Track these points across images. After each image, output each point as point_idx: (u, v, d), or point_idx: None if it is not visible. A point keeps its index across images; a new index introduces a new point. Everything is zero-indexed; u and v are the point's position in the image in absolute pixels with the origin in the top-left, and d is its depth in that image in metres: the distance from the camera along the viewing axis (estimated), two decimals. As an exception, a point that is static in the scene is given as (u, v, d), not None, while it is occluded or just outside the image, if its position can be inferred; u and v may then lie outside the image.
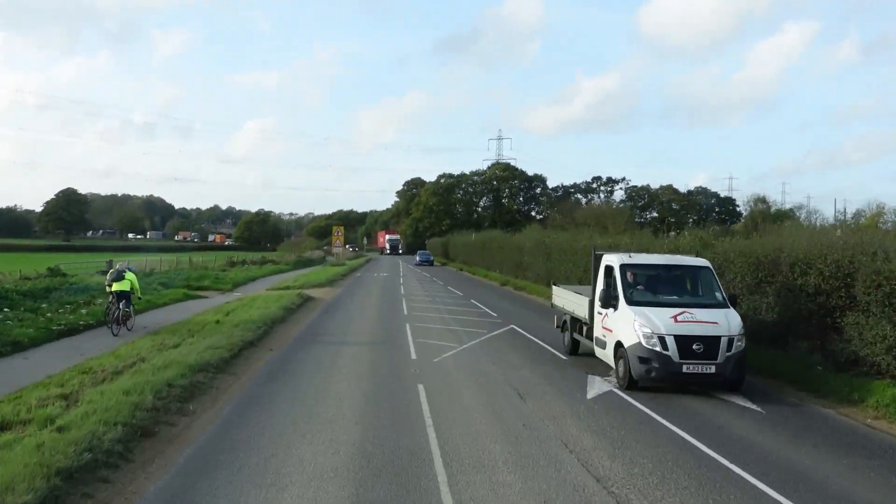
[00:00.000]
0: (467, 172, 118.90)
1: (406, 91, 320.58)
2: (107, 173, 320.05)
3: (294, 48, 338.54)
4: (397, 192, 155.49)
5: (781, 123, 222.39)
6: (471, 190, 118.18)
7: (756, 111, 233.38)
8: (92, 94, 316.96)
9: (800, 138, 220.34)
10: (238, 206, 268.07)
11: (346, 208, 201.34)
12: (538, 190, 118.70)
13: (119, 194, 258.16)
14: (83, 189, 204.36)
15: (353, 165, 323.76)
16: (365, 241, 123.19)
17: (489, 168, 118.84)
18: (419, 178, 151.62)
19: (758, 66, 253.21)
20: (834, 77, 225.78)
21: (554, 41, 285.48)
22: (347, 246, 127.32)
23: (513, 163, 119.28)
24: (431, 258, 71.60)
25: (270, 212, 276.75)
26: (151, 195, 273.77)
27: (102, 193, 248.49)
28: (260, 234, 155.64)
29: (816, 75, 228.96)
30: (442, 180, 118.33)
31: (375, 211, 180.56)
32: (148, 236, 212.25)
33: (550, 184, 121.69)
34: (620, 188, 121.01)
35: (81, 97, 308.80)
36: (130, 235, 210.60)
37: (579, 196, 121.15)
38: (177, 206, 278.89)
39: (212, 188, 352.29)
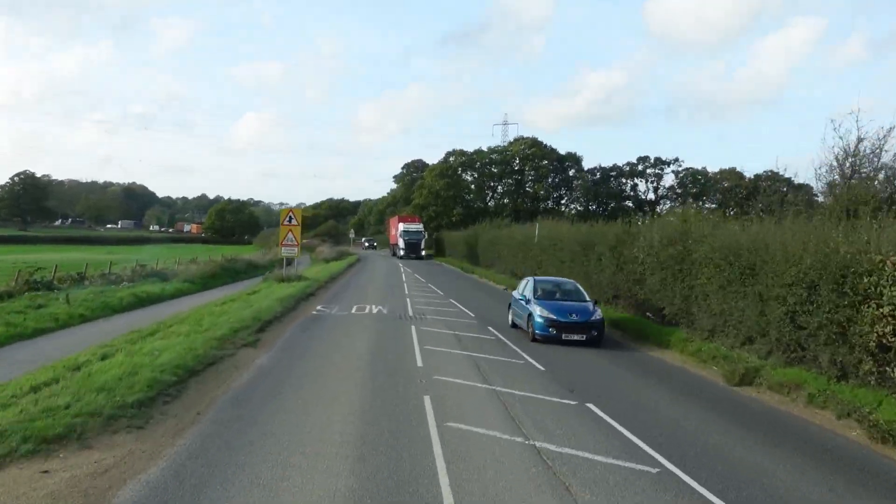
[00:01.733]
0: (484, 149, 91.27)
1: (409, 84, 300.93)
2: (104, 162, 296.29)
3: (297, 40, 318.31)
4: (395, 177, 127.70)
5: (784, 120, 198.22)
6: (486, 171, 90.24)
7: (759, 107, 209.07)
8: (90, 83, 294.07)
9: (802, 135, 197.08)
10: (228, 196, 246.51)
11: (337, 197, 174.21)
12: (571, 172, 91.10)
13: (101, 181, 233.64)
14: (62, 176, 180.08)
15: (352, 157, 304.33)
16: (352, 234, 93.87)
17: (512, 143, 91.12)
18: (420, 161, 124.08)
19: (762, 63, 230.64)
20: (838, 74, 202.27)
21: (560, 35, 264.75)
22: (364, 241, 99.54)
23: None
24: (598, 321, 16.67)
25: (258, 201, 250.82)
26: (134, 182, 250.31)
27: (82, 180, 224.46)
28: (234, 224, 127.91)
29: (820, 72, 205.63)
30: (451, 158, 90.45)
31: (370, 200, 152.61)
32: (119, 226, 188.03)
33: (586, 165, 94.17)
34: (671, 171, 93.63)
35: (79, 86, 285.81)
36: (110, 225, 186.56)
37: (623, 180, 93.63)
38: (160, 195, 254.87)
39: (207, 178, 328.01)
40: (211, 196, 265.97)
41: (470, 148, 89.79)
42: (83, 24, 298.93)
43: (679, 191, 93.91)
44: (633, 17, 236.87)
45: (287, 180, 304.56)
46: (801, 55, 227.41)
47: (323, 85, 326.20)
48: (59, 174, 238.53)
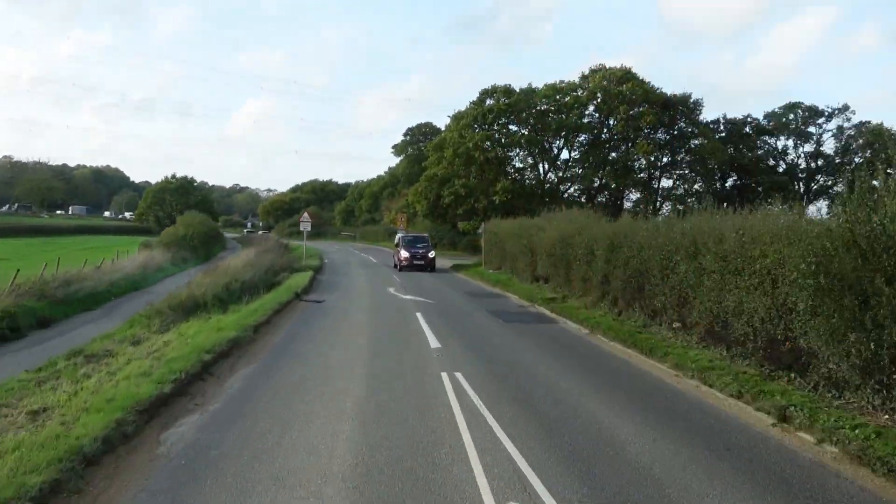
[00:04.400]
0: (538, 86, 52.90)
1: (414, 72, 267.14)
2: (100, 151, 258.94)
3: (300, 27, 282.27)
4: (394, 148, 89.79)
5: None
6: (547, 122, 51.90)
7: (766, 98, 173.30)
8: (88, 69, 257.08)
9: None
10: (216, 183, 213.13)
11: (323, 179, 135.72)
12: (683, 123, 53.11)
13: (73, 165, 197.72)
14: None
15: (354, 145, 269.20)
16: (306, 226, 51.95)
17: (587, 76, 53.01)
18: (430, 124, 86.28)
19: (772, 53, 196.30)
20: (845, 66, 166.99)
21: (569, 22, 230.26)
22: (399, 237, 58.83)
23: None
24: None
25: (244, 186, 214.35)
26: (108, 165, 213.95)
27: (52, 164, 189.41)
28: (179, 208, 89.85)
29: (827, 64, 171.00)
30: (489, 101, 52.13)
31: (361, 182, 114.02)
32: (70, 212, 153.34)
33: (707, 114, 56.45)
34: (832, 129, 55.89)
35: (78, 72, 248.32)
36: (60, 211, 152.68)
37: (766, 138, 55.93)
38: (137, 181, 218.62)
39: (203, 165, 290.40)
40: (196, 181, 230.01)
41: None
42: (82, 8, 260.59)
43: (838, 158, 56.42)
44: (643, 5, 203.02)
45: (284, 168, 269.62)
46: (814, 44, 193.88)
47: (325, 72, 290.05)
48: (53, 160, 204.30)
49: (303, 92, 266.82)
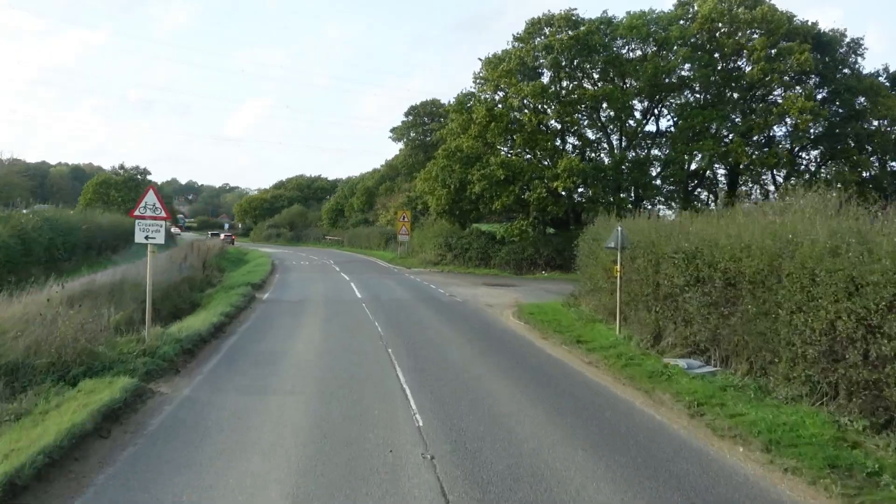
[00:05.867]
0: (615, 16, 33.73)
1: (417, 71, 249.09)
2: (98, 149, 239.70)
3: (302, 25, 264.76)
4: (394, 132, 70.33)
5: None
6: (633, 69, 32.70)
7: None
8: (88, 67, 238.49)
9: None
10: (206, 182, 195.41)
11: (311, 174, 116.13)
12: (836, 71, 34.04)
13: (53, 162, 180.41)
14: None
15: (354, 147, 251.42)
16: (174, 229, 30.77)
17: (687, 2, 34.03)
18: (437, 101, 67.07)
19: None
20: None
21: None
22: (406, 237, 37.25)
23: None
24: None
25: (234, 186, 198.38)
26: (90, 163, 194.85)
27: (29, 161, 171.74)
28: (123, 204, 70.86)
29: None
30: (539, 38, 32.92)
31: (352, 178, 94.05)
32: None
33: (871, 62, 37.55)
34: None
35: (77, 70, 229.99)
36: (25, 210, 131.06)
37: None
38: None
39: (201, 165, 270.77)
40: (183, 181, 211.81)
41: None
42: (82, 5, 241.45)
43: None
44: (649, 5, 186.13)
45: (281, 168, 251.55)
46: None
47: (325, 72, 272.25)
48: (51, 159, 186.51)
49: (303, 91, 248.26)
